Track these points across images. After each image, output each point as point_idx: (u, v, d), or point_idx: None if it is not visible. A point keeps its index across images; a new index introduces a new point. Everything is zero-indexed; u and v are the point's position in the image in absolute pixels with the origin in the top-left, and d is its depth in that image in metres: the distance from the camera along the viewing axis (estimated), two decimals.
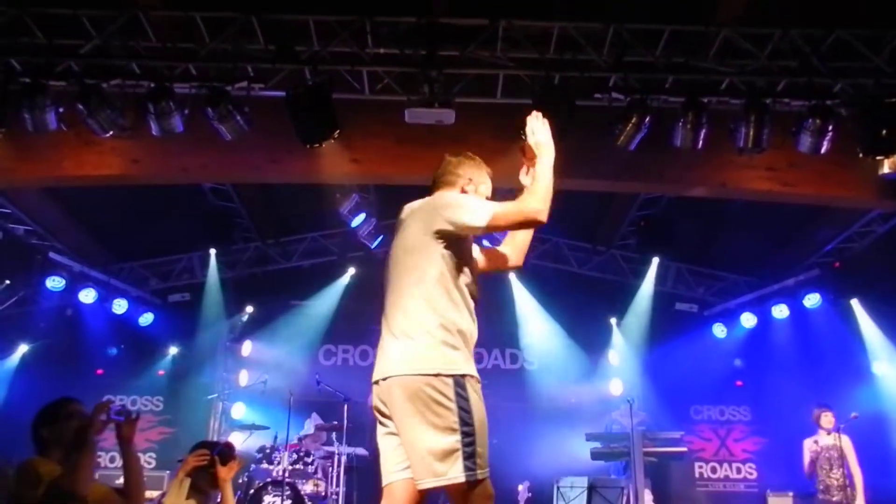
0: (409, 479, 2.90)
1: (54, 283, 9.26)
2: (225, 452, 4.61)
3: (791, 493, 8.58)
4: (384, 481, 3.00)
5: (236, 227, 9.89)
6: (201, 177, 7.47)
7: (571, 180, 6.83)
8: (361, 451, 8.95)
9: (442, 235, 3.08)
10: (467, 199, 3.24)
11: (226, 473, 4.28)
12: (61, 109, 5.77)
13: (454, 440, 2.81)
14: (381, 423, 3.05)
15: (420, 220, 3.16)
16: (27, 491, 3.21)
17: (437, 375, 2.88)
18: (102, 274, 9.86)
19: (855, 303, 9.46)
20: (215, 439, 9.81)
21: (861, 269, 9.37)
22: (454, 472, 2.80)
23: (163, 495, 4.35)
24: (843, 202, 7.32)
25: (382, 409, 3.01)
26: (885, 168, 6.19)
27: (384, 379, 2.97)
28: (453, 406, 2.85)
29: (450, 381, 2.88)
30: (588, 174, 6.68)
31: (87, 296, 9.49)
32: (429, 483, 2.79)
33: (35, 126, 5.71)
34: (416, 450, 2.83)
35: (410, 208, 3.31)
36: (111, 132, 5.90)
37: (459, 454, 2.80)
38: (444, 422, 2.82)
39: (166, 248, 10.38)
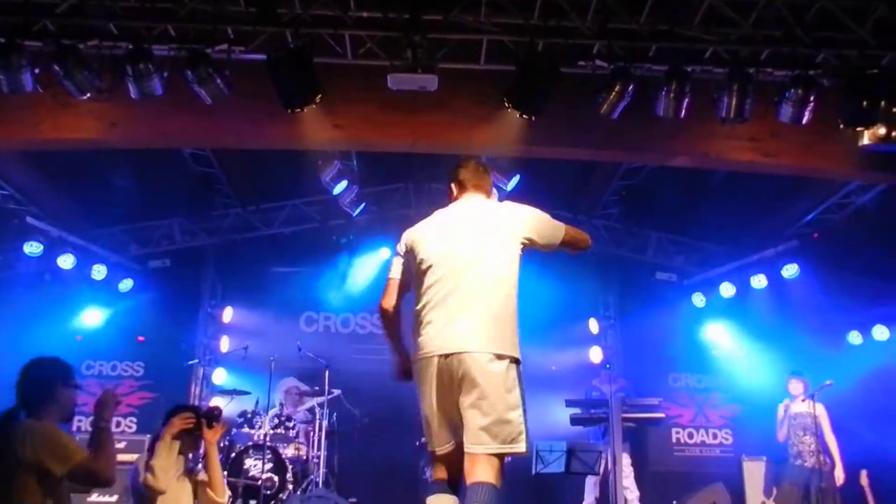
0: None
1: (32, 248, 9.14)
2: (211, 415, 4.61)
3: (765, 458, 8.74)
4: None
5: (216, 193, 9.79)
6: (181, 141, 7.39)
7: (554, 149, 6.86)
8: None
9: (524, 244, 3.59)
10: (548, 216, 3.74)
11: (212, 436, 4.28)
12: (37, 70, 5.64)
13: None
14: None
15: (509, 225, 3.58)
16: (54, 466, 3.20)
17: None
18: (81, 239, 9.75)
19: (832, 273, 9.57)
20: (197, 404, 9.83)
21: (839, 240, 9.48)
22: None
23: (150, 457, 4.32)
24: (823, 173, 7.38)
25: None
26: (866, 139, 6.22)
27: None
28: None
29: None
30: (571, 142, 6.68)
31: (66, 261, 9.37)
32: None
33: (10, 87, 5.58)
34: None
35: (484, 207, 3.70)
36: (88, 94, 5.79)
37: None
38: None
39: (146, 213, 10.27)
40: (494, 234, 3.53)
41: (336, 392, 8.86)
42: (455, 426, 3.39)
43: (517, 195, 9.44)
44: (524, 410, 3.44)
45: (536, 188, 9.60)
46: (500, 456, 3.27)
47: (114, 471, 3.37)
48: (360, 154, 8.88)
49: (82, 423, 8.48)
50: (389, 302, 3.69)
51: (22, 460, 3.16)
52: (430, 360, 3.37)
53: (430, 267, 3.53)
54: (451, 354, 3.32)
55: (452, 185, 3.89)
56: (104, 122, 6.47)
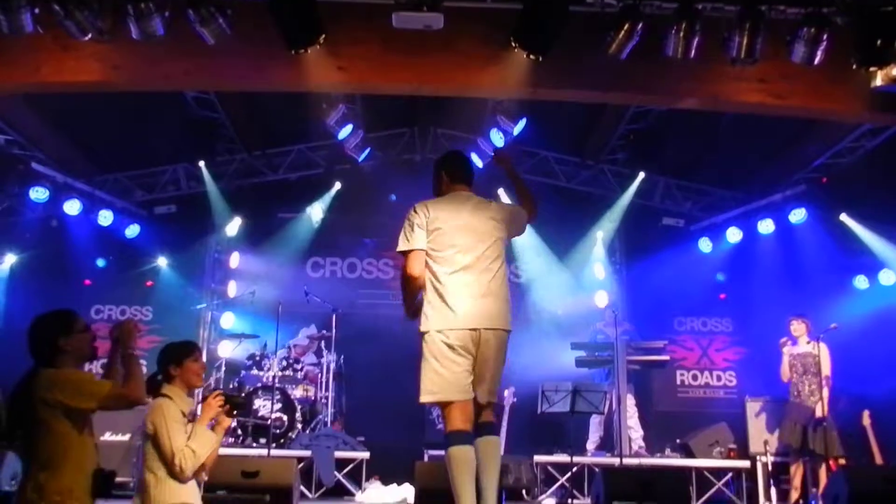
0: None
1: (38, 193, 9.18)
2: (239, 404, 4.52)
3: (769, 398, 8.85)
4: (461, 397, 4.03)
5: (221, 139, 9.76)
6: (184, 84, 7.31)
7: (560, 91, 6.75)
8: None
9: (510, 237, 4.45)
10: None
11: (227, 422, 4.29)
12: (37, 10, 5.57)
13: None
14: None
15: (503, 218, 4.33)
16: (80, 403, 3.38)
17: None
18: (86, 185, 9.77)
19: (840, 218, 9.53)
20: (204, 349, 9.96)
21: (848, 185, 9.42)
22: None
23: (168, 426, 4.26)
24: (834, 115, 7.26)
25: (471, 348, 4.06)
26: (878, 80, 6.11)
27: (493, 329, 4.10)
28: None
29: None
30: (578, 84, 6.56)
31: (72, 207, 9.41)
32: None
33: (10, 28, 5.52)
34: (497, 380, 4.18)
35: (485, 201, 4.41)
36: (89, 35, 5.72)
37: None
38: None
39: (150, 159, 10.26)
40: (495, 228, 4.27)
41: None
42: (469, 383, 4.06)
43: (524, 140, 9.46)
44: None
45: (543, 132, 9.55)
46: None
47: (143, 393, 3.63)
48: (364, 97, 8.80)
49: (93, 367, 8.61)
50: (418, 270, 4.17)
51: (51, 404, 3.33)
52: (460, 332, 4.04)
53: (451, 244, 4.16)
54: (479, 329, 4.04)
55: (444, 175, 4.48)
56: (106, 64, 6.38)
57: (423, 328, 4.14)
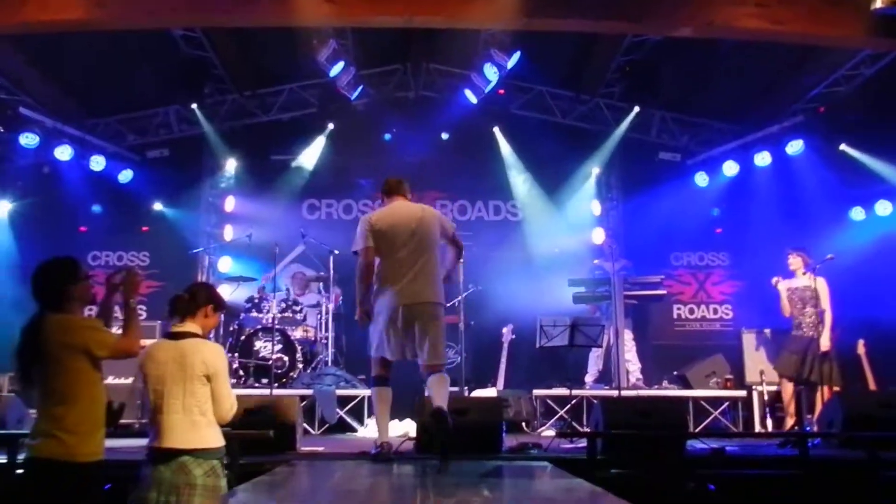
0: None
1: (28, 139, 9.07)
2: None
3: (764, 329, 8.94)
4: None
5: (211, 79, 9.60)
6: (170, 20, 7.15)
7: (553, 20, 6.63)
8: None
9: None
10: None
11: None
12: None
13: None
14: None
15: (436, 224, 5.44)
16: (97, 351, 3.49)
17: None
18: (77, 130, 9.64)
19: (837, 149, 9.46)
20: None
21: (846, 114, 9.33)
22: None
23: None
24: (833, 41, 7.15)
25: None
26: (878, 2, 6.01)
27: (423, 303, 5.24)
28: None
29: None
30: (570, 13, 6.44)
31: (63, 153, 9.31)
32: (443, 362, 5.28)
33: None
34: (440, 344, 5.25)
35: (422, 210, 5.50)
36: None
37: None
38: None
39: (140, 102, 10.12)
40: (428, 225, 5.37)
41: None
42: (405, 347, 5.23)
43: (517, 74, 9.34)
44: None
45: (537, 67, 9.42)
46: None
47: (139, 345, 3.71)
48: (355, 32, 8.64)
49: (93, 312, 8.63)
50: (370, 260, 5.29)
51: (70, 347, 3.45)
52: (398, 307, 5.15)
53: (392, 241, 5.26)
54: (414, 304, 5.16)
55: (383, 196, 5.63)
56: (91, 2, 6.26)
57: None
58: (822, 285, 7.88)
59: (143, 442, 3.72)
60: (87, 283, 3.71)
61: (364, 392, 8.31)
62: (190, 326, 3.79)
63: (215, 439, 3.68)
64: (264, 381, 8.31)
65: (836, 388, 7.62)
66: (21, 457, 3.57)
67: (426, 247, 5.32)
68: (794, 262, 8.02)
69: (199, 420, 3.65)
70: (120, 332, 3.70)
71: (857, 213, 10.06)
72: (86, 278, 3.71)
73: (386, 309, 5.20)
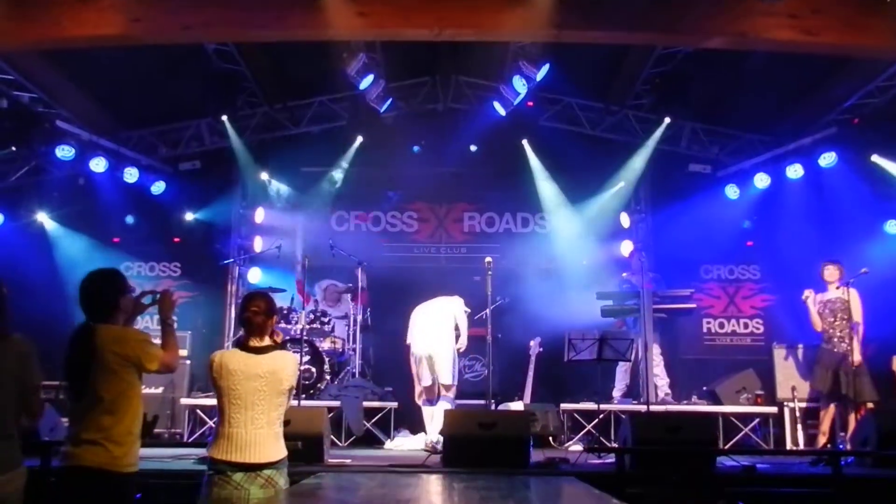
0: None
1: (64, 152, 9.23)
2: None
3: (797, 345, 8.81)
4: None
5: (242, 92, 9.72)
6: (204, 35, 7.27)
7: (584, 32, 6.63)
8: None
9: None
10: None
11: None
12: None
13: None
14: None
15: (450, 309, 8.08)
16: (148, 365, 3.63)
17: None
18: (111, 142, 9.81)
19: (871, 160, 9.30)
20: (235, 303, 10.08)
21: (880, 126, 9.18)
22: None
23: None
24: (866, 52, 7.05)
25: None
26: None
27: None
28: None
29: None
30: (601, 25, 6.44)
31: (98, 165, 9.47)
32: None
33: None
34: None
35: (439, 301, 8.20)
36: None
37: None
38: None
39: (173, 114, 10.26)
40: (442, 312, 8.01)
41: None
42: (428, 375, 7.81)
43: (546, 86, 9.33)
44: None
45: (566, 78, 9.41)
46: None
47: (178, 361, 3.95)
48: (385, 46, 8.70)
49: None
50: None
51: (123, 358, 3.56)
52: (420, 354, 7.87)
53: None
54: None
55: None
56: (127, 16, 6.38)
57: None
58: (854, 298, 7.78)
59: (174, 452, 3.76)
60: (131, 295, 3.83)
61: (391, 405, 8.33)
62: (268, 339, 3.81)
63: (285, 447, 3.76)
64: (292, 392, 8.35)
65: (870, 405, 7.49)
66: (56, 464, 3.60)
67: None
68: (833, 273, 7.90)
69: (279, 432, 3.73)
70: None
71: (892, 227, 9.88)
72: (131, 290, 3.83)
73: None
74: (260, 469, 3.58)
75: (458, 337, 7.96)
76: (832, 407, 7.81)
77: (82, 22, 6.36)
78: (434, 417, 7.58)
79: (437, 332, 7.89)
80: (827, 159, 9.25)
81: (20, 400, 3.56)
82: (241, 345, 3.80)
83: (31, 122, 9.06)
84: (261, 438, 3.62)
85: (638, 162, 10.31)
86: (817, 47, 6.62)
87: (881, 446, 5.99)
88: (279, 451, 3.70)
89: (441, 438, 6.28)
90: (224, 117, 9.66)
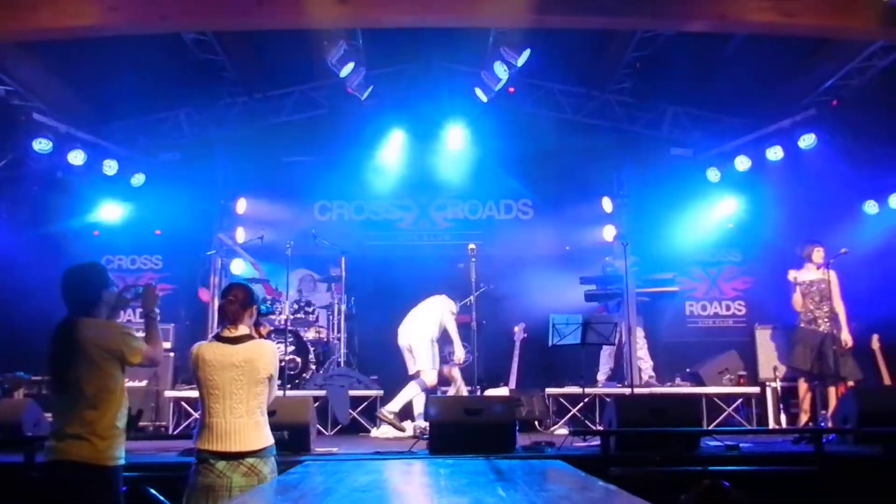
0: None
1: (41, 145, 9.09)
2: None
3: (778, 325, 8.90)
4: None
5: (222, 82, 9.63)
6: (182, 24, 7.16)
7: (564, 17, 6.61)
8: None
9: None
10: None
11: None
12: None
13: None
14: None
15: (434, 309, 8.24)
16: (131, 358, 3.63)
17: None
18: (89, 134, 9.69)
19: (850, 141, 9.39)
20: (217, 294, 10.03)
21: (859, 107, 9.25)
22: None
23: None
24: (845, 33, 7.09)
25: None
26: None
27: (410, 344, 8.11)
28: None
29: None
30: (581, 9, 6.42)
31: (76, 157, 9.34)
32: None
33: None
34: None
35: (430, 299, 8.36)
36: None
37: None
38: None
39: (151, 105, 10.15)
40: (426, 308, 8.24)
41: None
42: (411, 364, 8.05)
43: (528, 73, 9.32)
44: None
45: (547, 64, 9.39)
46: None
47: (161, 354, 4.00)
48: (365, 33, 8.64)
49: None
50: None
51: (107, 351, 3.57)
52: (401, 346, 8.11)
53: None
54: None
55: None
56: (103, 6, 6.29)
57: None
58: (833, 280, 7.87)
59: (159, 444, 3.76)
60: (114, 288, 3.84)
61: (377, 393, 8.34)
62: (243, 329, 3.83)
63: (270, 436, 3.78)
64: (277, 382, 8.33)
65: (850, 384, 7.59)
66: (41, 459, 3.60)
67: None
68: (818, 254, 7.96)
69: (260, 420, 3.75)
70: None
71: (871, 207, 9.98)
72: (112, 284, 3.84)
73: None
74: (242, 457, 3.61)
75: (447, 340, 8.16)
76: (810, 386, 7.90)
77: (59, 12, 6.26)
78: (404, 396, 7.82)
79: (414, 324, 8.11)
80: (806, 141, 9.31)
81: None
82: (217, 336, 3.84)
83: (7, 115, 8.93)
84: (240, 427, 3.66)
85: (620, 147, 10.35)
86: (796, 29, 6.66)
87: (862, 424, 6.08)
88: (262, 439, 3.71)
89: (427, 424, 6.31)
90: (204, 108, 9.55)
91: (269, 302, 3.99)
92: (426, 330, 8.04)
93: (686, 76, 9.45)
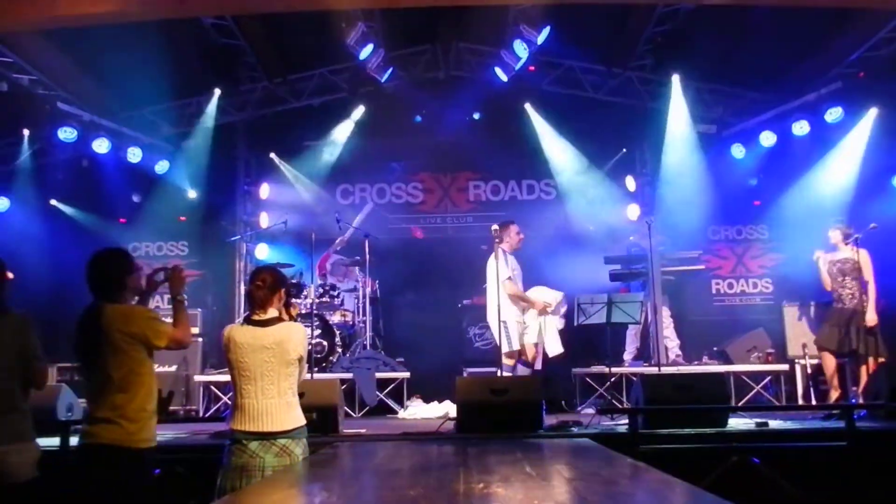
0: None
1: (66, 133, 9.23)
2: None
3: (807, 303, 8.80)
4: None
5: (241, 66, 9.64)
6: (199, 8, 7.21)
7: None
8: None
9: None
10: None
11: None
12: None
13: None
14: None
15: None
16: (157, 341, 3.69)
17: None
18: (113, 122, 9.77)
19: (875, 115, 9.20)
20: (243, 279, 10.11)
21: (887, 79, 9.07)
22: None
23: None
24: (868, 3, 6.96)
25: None
26: None
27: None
28: None
29: None
30: None
31: (101, 145, 9.44)
32: None
33: None
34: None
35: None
36: None
37: None
38: None
39: (173, 92, 10.18)
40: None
41: None
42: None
43: (547, 50, 9.24)
44: None
45: (567, 42, 9.30)
46: None
47: (190, 336, 4.02)
48: (384, 14, 8.60)
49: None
50: None
51: (131, 336, 3.62)
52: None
53: None
54: None
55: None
56: None
57: None
58: (864, 257, 7.74)
59: (190, 427, 3.81)
60: (139, 274, 3.89)
61: (403, 374, 8.37)
62: (273, 312, 3.85)
63: (302, 417, 3.82)
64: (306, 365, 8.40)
65: (881, 360, 7.50)
66: (74, 442, 3.68)
67: None
68: (834, 235, 7.90)
69: (292, 401, 3.78)
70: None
71: None
72: (138, 269, 3.89)
73: None
74: (274, 437, 3.65)
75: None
76: (832, 360, 7.81)
77: (78, 0, 6.31)
78: None
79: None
80: (833, 115, 9.15)
81: (24, 373, 3.69)
82: (247, 319, 3.86)
83: (32, 104, 9.02)
84: (272, 408, 3.69)
85: (642, 124, 10.23)
86: (819, 0, 6.52)
87: (893, 399, 6.01)
88: (293, 420, 3.75)
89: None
90: (225, 93, 9.59)
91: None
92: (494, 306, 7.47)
93: (708, 51, 9.28)
